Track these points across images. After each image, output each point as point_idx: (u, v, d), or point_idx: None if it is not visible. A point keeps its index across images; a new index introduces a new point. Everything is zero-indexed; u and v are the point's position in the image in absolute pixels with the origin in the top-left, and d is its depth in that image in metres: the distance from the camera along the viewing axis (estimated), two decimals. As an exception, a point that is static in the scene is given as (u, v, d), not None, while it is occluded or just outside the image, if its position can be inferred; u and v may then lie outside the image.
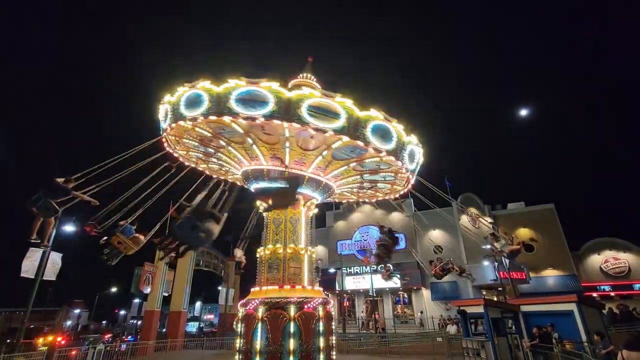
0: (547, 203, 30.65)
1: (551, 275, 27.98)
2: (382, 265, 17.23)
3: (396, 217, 30.54)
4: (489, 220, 12.82)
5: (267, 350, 8.50)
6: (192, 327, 55.12)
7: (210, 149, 10.12)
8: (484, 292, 27.94)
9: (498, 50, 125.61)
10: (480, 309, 12.68)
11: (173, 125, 8.80)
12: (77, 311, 51.32)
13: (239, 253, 16.64)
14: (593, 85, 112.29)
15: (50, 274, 13.28)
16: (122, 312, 57.76)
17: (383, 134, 8.40)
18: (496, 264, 17.63)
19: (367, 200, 13.90)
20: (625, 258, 28.09)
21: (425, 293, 28.18)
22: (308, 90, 7.93)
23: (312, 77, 12.37)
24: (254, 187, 10.72)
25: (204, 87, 8.01)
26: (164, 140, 10.07)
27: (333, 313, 10.20)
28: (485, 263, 26.60)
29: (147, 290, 21.98)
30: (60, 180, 7.45)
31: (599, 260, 28.95)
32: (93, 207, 8.36)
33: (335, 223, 34.25)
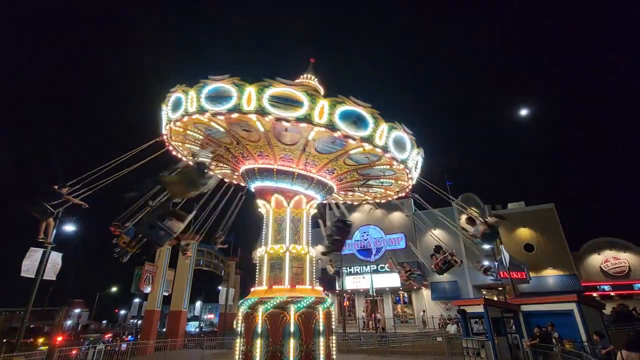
0: (547, 203, 30.66)
1: (551, 275, 27.97)
2: (400, 268, 15.77)
3: (396, 216, 30.54)
4: (474, 210, 10.85)
5: (267, 349, 8.50)
6: (193, 326, 55.12)
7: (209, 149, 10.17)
8: (484, 292, 27.94)
9: (498, 50, 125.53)
10: (480, 309, 12.70)
11: (185, 118, 8.70)
12: (77, 311, 51.28)
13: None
14: (593, 85, 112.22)
15: (50, 273, 13.31)
16: (123, 312, 57.77)
17: (355, 120, 8.06)
18: (485, 263, 16.79)
19: (367, 200, 13.89)
20: (625, 258, 28.09)
21: (426, 293, 28.16)
22: (268, 81, 7.75)
23: (314, 77, 12.39)
24: (253, 186, 10.77)
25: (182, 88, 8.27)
26: (165, 137, 10.08)
27: (333, 313, 10.20)
28: (486, 263, 26.60)
29: (148, 289, 22.01)
30: (55, 186, 8.27)
31: (599, 260, 28.95)
32: (116, 208, 9.29)
33: (335, 223, 34.19)
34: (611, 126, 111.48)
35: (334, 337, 9.81)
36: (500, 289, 24.84)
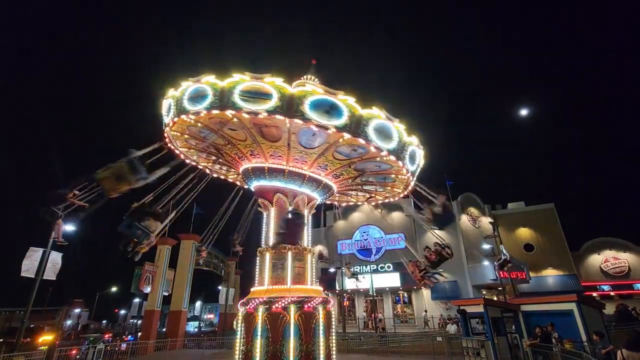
0: (547, 203, 30.67)
1: (551, 275, 28.01)
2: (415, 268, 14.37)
3: (396, 216, 30.56)
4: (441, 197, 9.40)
5: (267, 349, 8.49)
6: (192, 326, 55.11)
7: (212, 150, 10.20)
8: (484, 292, 27.95)
9: (498, 50, 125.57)
10: (480, 309, 12.69)
11: (175, 119, 8.79)
12: (77, 311, 51.26)
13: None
14: (593, 85, 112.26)
15: (50, 273, 13.31)
16: (122, 312, 57.78)
17: (328, 109, 7.72)
18: (503, 256, 15.77)
19: (368, 201, 13.82)
20: (625, 258, 28.11)
21: (425, 293, 28.16)
22: (238, 76, 7.59)
23: (315, 78, 12.36)
24: (252, 186, 10.77)
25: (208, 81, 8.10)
26: (165, 135, 10.08)
27: (333, 313, 10.19)
28: (485, 263, 26.63)
29: (148, 289, 22.01)
30: (59, 191, 8.57)
31: (599, 260, 28.97)
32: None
33: (335, 223, 34.24)
34: (611, 126, 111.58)
35: (334, 337, 9.80)
36: (500, 289, 24.85)
